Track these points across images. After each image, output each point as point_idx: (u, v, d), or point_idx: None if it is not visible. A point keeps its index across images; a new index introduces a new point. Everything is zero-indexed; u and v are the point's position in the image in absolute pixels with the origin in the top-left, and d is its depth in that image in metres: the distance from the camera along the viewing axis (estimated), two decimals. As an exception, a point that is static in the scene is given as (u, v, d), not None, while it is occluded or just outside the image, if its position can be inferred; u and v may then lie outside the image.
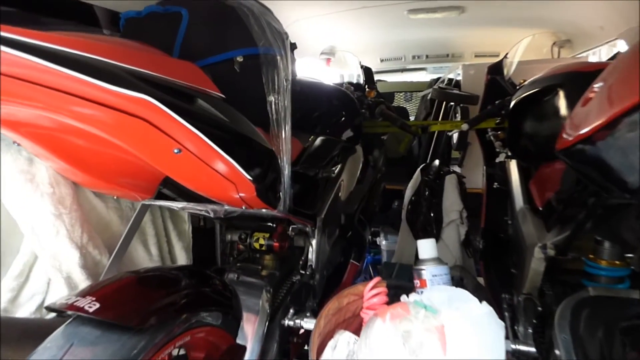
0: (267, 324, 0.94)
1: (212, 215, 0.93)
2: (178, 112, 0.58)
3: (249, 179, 0.72)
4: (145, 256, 1.18)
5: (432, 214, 1.77)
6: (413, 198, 1.97)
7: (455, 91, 2.02)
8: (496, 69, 1.63)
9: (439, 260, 0.89)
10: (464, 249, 1.73)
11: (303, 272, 1.16)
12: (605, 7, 1.60)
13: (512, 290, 1.25)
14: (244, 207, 0.83)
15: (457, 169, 2.29)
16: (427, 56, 3.00)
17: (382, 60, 3.06)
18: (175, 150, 0.60)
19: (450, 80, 2.45)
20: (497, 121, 1.63)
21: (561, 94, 1.08)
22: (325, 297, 1.35)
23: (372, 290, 0.88)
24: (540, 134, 1.18)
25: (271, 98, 0.85)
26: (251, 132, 0.76)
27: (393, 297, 0.89)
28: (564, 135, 0.61)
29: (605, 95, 0.52)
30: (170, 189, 0.89)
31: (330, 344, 0.80)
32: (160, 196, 0.92)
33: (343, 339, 0.79)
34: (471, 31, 2.36)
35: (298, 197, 1.08)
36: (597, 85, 0.55)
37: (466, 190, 1.80)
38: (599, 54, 1.88)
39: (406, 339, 0.69)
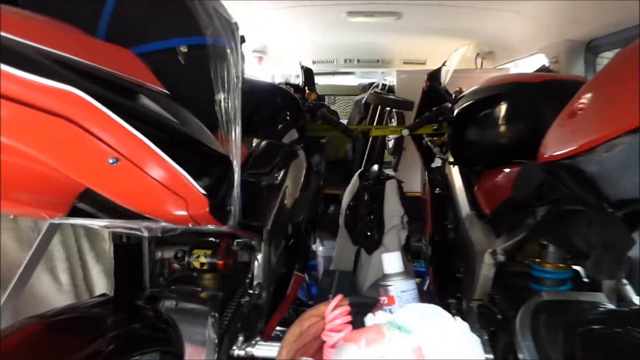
0: (216, 356, 0.81)
1: (145, 234, 0.78)
2: (115, 110, 0.44)
3: (202, 194, 0.59)
4: (52, 286, 0.96)
5: (372, 220, 1.75)
6: (352, 203, 1.94)
7: (392, 97, 2.04)
8: (435, 77, 1.66)
9: (405, 274, 0.85)
10: (404, 254, 1.74)
11: (251, 291, 1.04)
12: (526, 22, 1.72)
13: (458, 295, 1.27)
14: (190, 225, 0.70)
15: (391, 173, 2.32)
16: (358, 60, 3.03)
17: (314, 62, 3.03)
18: (111, 160, 0.45)
19: (384, 85, 2.49)
20: (435, 127, 1.66)
21: (505, 103, 1.11)
22: (270, 313, 1.24)
23: (335, 311, 0.80)
24: (485, 142, 1.21)
25: (220, 96, 0.73)
26: (204, 137, 0.64)
27: (356, 315, 0.82)
28: (550, 148, 0.60)
29: (601, 112, 0.50)
30: (90, 203, 0.72)
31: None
32: (75, 212, 0.75)
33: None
34: (403, 38, 2.42)
35: (243, 207, 0.97)
36: (585, 100, 0.53)
37: (405, 195, 1.82)
38: (520, 66, 2.05)
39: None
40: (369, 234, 1.76)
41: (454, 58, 1.63)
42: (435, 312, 0.72)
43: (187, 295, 0.93)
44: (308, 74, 1.82)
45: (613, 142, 0.47)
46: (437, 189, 1.49)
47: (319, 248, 2.26)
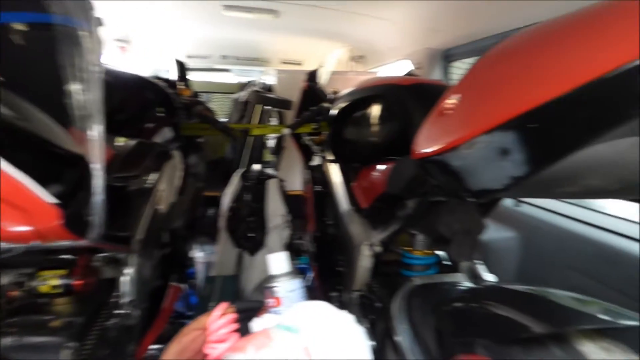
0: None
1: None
2: None
3: (51, 204, 0.48)
4: None
5: (255, 220, 1.72)
6: (232, 204, 1.88)
7: (272, 96, 2.03)
8: (313, 77, 1.70)
9: (292, 274, 0.84)
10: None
11: (118, 311, 0.92)
12: (394, 29, 1.89)
13: (340, 288, 1.33)
14: (39, 242, 0.57)
15: (272, 172, 2.32)
16: (236, 57, 2.95)
17: (189, 57, 2.84)
18: None
19: (263, 84, 2.47)
20: (314, 127, 1.71)
21: (380, 103, 1.19)
22: (143, 331, 1.12)
23: (219, 321, 0.75)
24: (361, 140, 1.28)
25: (74, 87, 0.61)
26: (52, 134, 0.52)
27: (242, 322, 0.78)
28: (422, 145, 0.65)
29: (465, 113, 0.56)
30: None
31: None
32: None
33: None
34: (281, 37, 2.43)
35: (108, 216, 0.85)
36: (452, 102, 0.59)
37: (287, 193, 1.83)
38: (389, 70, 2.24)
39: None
40: (251, 235, 1.73)
41: (330, 60, 1.70)
42: (321, 309, 0.73)
43: (32, 327, 0.76)
44: (182, 68, 1.69)
45: (473, 141, 0.53)
46: (318, 186, 1.53)
47: (197, 254, 2.13)
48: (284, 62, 2.96)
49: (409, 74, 1.67)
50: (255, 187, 1.78)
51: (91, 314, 0.90)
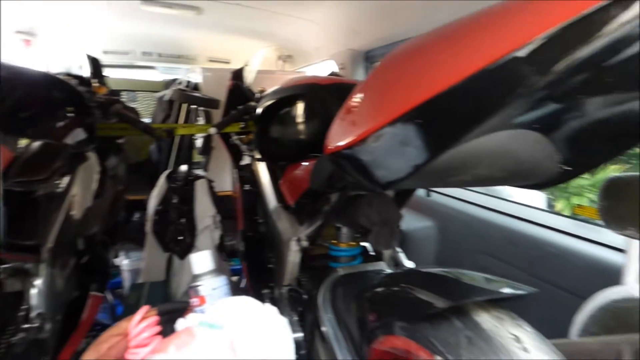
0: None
1: None
2: None
3: None
4: None
5: (183, 223, 1.67)
6: (159, 207, 1.80)
7: (198, 94, 1.97)
8: (239, 76, 1.69)
9: (216, 271, 0.83)
10: (219, 253, 1.73)
11: (27, 325, 0.85)
12: (319, 30, 1.93)
13: (271, 285, 1.34)
14: None
15: (201, 173, 2.27)
16: (159, 54, 2.82)
17: (105, 52, 2.66)
18: None
19: (188, 82, 2.39)
20: (242, 126, 1.70)
21: (303, 102, 1.22)
22: (61, 346, 1.04)
23: (140, 324, 0.73)
24: (287, 138, 1.30)
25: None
26: None
27: (166, 324, 0.77)
28: (333, 141, 0.68)
29: (367, 110, 0.60)
30: None
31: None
32: None
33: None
34: (207, 35, 2.38)
35: (10, 224, 0.78)
36: (356, 100, 0.63)
37: (217, 194, 1.80)
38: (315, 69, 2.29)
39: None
40: (180, 238, 1.67)
41: (256, 59, 1.70)
42: (243, 303, 0.73)
43: None
44: (95, 64, 1.59)
45: (378, 133, 0.57)
46: (247, 185, 1.53)
47: (123, 262, 2.02)
48: (211, 60, 2.89)
49: (332, 73, 1.72)
50: (182, 188, 1.73)
51: (-6, 331, 0.82)
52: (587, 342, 0.67)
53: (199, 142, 2.14)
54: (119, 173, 1.52)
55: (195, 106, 2.12)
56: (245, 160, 1.76)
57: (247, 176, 1.57)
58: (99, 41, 2.54)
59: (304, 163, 1.22)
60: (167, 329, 0.75)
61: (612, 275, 0.85)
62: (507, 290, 0.63)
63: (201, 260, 0.82)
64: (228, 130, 1.71)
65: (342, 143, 0.63)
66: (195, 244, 1.67)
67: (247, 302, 0.73)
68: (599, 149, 0.63)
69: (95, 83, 1.55)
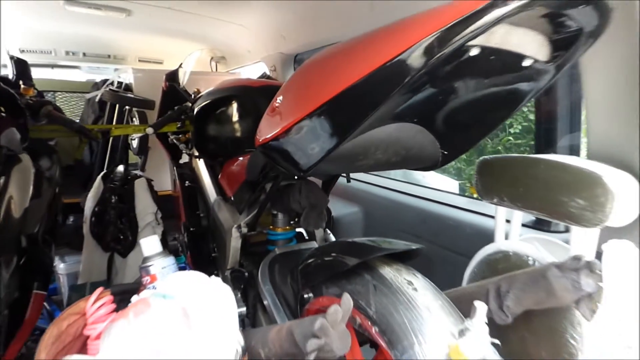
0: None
1: None
2: None
3: None
4: None
5: (124, 221, 1.70)
6: (97, 208, 1.81)
7: (132, 95, 1.99)
8: (173, 77, 1.75)
9: (164, 252, 0.93)
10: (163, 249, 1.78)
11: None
12: (250, 34, 2.04)
13: (215, 272, 1.44)
14: None
15: (139, 173, 2.27)
16: (84, 54, 2.74)
17: (22, 51, 2.54)
18: None
19: (120, 83, 2.37)
20: (179, 125, 1.77)
21: (236, 102, 1.34)
22: (9, 341, 1.07)
23: (97, 303, 0.81)
24: (223, 136, 1.41)
25: None
26: None
27: (120, 304, 0.85)
28: (261, 134, 0.82)
29: (287, 108, 0.74)
30: None
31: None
32: None
33: (73, 365, 0.71)
34: (137, 35, 2.37)
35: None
36: (279, 99, 0.77)
37: (156, 192, 1.84)
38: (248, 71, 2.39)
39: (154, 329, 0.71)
40: (122, 236, 1.71)
41: (190, 60, 1.77)
42: (192, 276, 0.84)
43: None
44: (21, 65, 1.56)
45: (297, 125, 0.72)
46: (187, 182, 1.61)
47: (59, 266, 1.98)
48: (142, 60, 2.87)
49: (264, 76, 1.85)
50: (121, 188, 1.75)
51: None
52: (466, 288, 0.87)
53: (134, 143, 2.15)
54: (54, 174, 1.52)
55: (128, 107, 2.13)
56: (184, 158, 1.83)
57: (187, 173, 1.65)
58: (16, 39, 2.42)
59: (240, 158, 1.34)
60: (120, 307, 0.84)
61: (486, 238, 1.08)
62: (400, 247, 0.81)
63: (150, 243, 0.93)
64: (165, 130, 1.77)
65: (269, 135, 0.77)
66: (138, 241, 1.71)
67: (195, 275, 0.84)
68: (463, 137, 0.84)
69: (22, 84, 1.53)
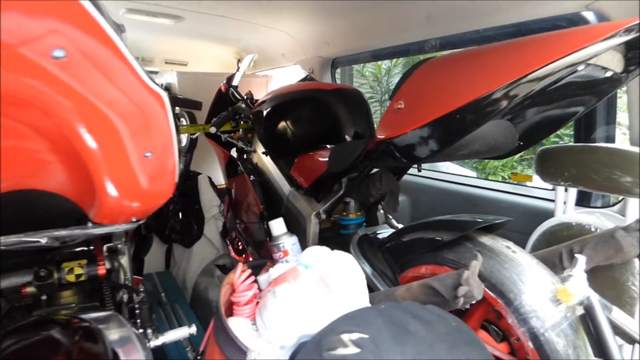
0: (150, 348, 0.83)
1: (47, 242, 0.71)
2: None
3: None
4: None
5: (190, 214, 1.83)
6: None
7: (181, 96, 2.10)
8: (231, 79, 1.89)
9: (289, 233, 1.09)
10: (222, 239, 1.92)
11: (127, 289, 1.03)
12: (289, 39, 2.19)
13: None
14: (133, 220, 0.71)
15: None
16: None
17: None
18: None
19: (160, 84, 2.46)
20: (234, 125, 1.91)
21: (311, 104, 1.50)
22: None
23: (242, 275, 0.97)
24: (297, 134, 1.56)
25: None
26: None
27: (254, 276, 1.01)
28: (385, 132, 0.98)
29: (412, 111, 0.91)
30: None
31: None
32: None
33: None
34: (163, 37, 2.46)
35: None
36: (401, 103, 0.94)
37: (217, 187, 1.98)
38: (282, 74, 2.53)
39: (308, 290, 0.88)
40: (186, 229, 1.84)
41: (244, 64, 1.91)
42: (320, 250, 1.00)
43: (83, 311, 0.86)
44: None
45: (422, 128, 0.89)
46: (252, 176, 1.75)
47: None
48: (168, 62, 2.96)
49: (306, 78, 2.00)
50: (184, 184, 1.88)
51: (100, 298, 0.99)
52: (539, 253, 1.06)
53: (183, 141, 2.26)
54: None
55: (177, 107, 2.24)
56: (244, 154, 1.95)
57: (249, 168, 1.79)
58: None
59: (315, 153, 1.50)
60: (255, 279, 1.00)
61: (538, 216, 1.27)
62: (491, 220, 0.98)
63: (278, 224, 1.08)
64: (223, 129, 1.90)
65: (395, 132, 0.93)
66: (204, 232, 1.84)
67: (324, 249, 1.01)
68: (539, 131, 1.03)
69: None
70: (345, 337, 0.58)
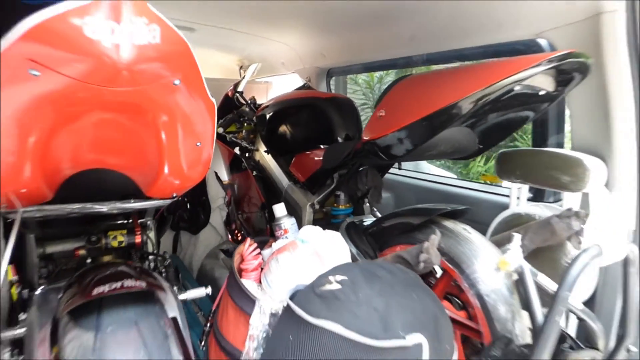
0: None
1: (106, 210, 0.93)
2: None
3: None
4: None
5: (197, 204, 2.05)
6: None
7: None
8: (237, 85, 2.12)
9: (288, 215, 1.32)
10: (226, 228, 2.14)
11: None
12: (289, 50, 2.41)
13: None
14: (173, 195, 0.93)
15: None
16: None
17: None
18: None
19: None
20: (238, 126, 2.13)
21: (309, 109, 1.73)
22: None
23: (251, 247, 1.19)
24: (296, 135, 1.80)
25: None
26: None
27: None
28: (369, 134, 1.21)
29: (391, 118, 1.14)
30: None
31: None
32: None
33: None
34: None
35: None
36: (382, 111, 1.17)
37: (222, 181, 2.20)
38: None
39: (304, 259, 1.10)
40: (194, 217, 2.05)
41: (249, 72, 2.14)
42: (314, 228, 1.22)
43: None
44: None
45: (400, 130, 1.12)
46: (254, 172, 1.98)
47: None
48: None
49: (304, 86, 2.23)
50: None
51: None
52: (496, 237, 1.29)
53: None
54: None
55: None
56: (246, 153, 2.17)
57: (251, 164, 2.01)
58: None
59: (311, 152, 1.73)
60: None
61: (498, 208, 1.51)
62: (454, 208, 1.22)
63: (280, 208, 1.31)
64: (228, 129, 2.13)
65: (377, 135, 1.16)
66: (209, 221, 2.06)
67: (317, 228, 1.23)
68: (494, 136, 1.27)
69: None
70: (331, 278, 0.80)
